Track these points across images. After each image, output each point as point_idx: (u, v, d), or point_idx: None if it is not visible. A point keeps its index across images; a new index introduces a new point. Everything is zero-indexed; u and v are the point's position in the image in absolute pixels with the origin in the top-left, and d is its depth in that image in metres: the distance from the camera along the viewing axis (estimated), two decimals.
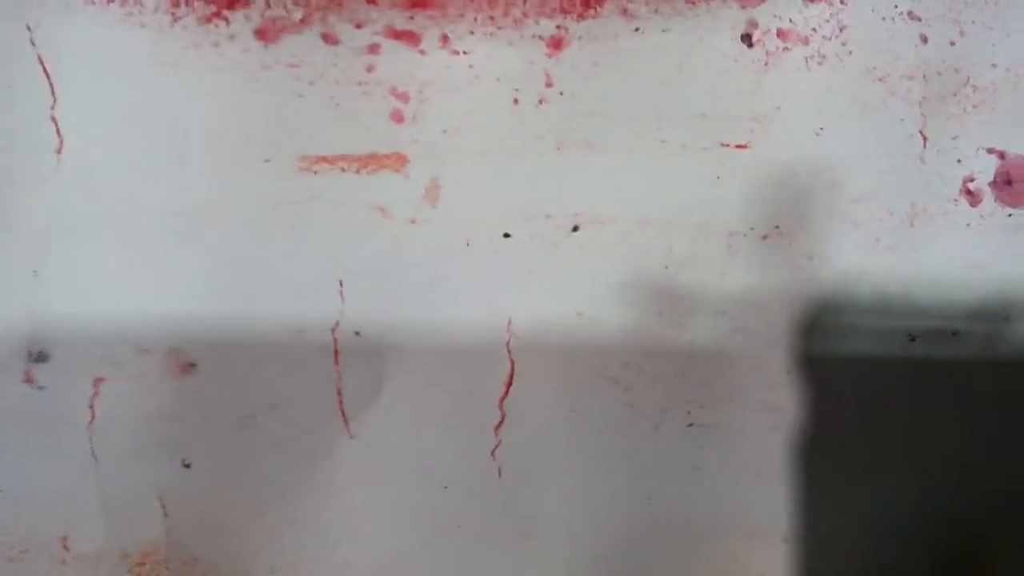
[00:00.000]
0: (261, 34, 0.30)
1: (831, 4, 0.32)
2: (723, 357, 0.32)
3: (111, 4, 0.31)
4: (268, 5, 0.30)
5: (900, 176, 0.32)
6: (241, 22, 0.30)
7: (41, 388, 0.31)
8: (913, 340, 0.33)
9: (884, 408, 0.33)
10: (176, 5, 0.30)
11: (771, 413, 0.33)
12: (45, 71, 0.30)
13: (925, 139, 0.33)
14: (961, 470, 0.33)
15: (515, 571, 0.32)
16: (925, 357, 0.33)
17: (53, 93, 0.30)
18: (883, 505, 0.33)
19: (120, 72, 0.30)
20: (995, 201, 0.33)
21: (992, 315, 0.32)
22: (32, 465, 0.31)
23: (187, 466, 0.31)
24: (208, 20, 0.30)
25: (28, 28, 0.30)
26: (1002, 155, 0.33)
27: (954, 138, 0.33)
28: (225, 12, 0.30)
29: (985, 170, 0.33)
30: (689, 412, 0.32)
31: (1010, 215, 0.33)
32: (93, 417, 0.31)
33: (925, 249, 0.33)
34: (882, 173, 0.32)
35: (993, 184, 0.33)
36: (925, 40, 0.32)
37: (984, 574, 0.34)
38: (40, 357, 0.31)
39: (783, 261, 0.32)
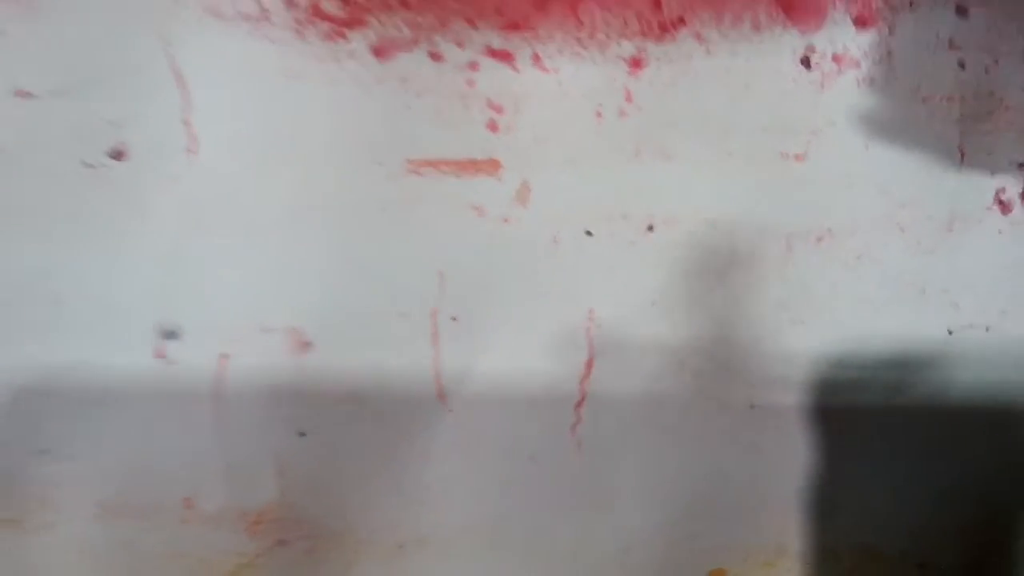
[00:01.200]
0: (377, 51, 0.32)
1: (880, 32, 0.36)
2: (782, 346, 0.35)
3: (239, 19, 0.34)
4: (383, 25, 0.35)
5: (940, 186, 0.36)
6: (360, 40, 0.32)
7: (171, 363, 0.33)
8: (951, 334, 0.36)
9: (920, 392, 0.37)
10: (302, 23, 0.34)
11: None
12: (179, 79, 0.33)
13: (962, 154, 0.36)
14: (992, 453, 0.37)
15: (591, 533, 0.34)
16: (961, 350, 0.36)
17: (187, 99, 0.32)
18: (915, 481, 0.37)
19: (249, 81, 0.32)
20: None
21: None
22: (160, 433, 0.33)
23: (302, 435, 0.33)
24: (331, 38, 0.32)
25: (163, 40, 0.33)
26: None
27: (988, 154, 0.36)
28: (346, 31, 0.33)
29: (1016, 183, 0.37)
30: (751, 395, 0.36)
31: None
32: (218, 390, 0.33)
33: (962, 252, 0.36)
34: (924, 183, 0.36)
35: (1022, 195, 0.37)
36: (963, 66, 0.35)
37: (1007, 548, 0.38)
38: (171, 335, 0.33)
39: (834, 260, 0.35)
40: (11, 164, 0.32)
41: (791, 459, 0.34)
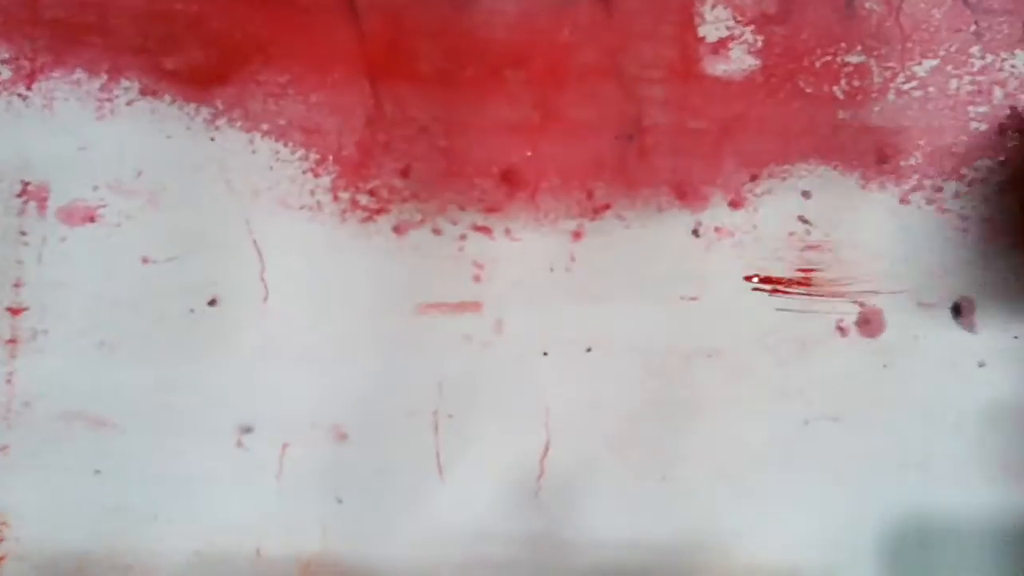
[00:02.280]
0: (396, 230, 0.44)
1: (747, 211, 0.46)
2: (684, 428, 0.48)
3: (301, 209, 0.44)
4: (400, 212, 0.45)
5: (795, 317, 0.45)
6: (384, 222, 0.44)
7: (247, 450, 0.43)
8: (806, 424, 0.49)
9: None
10: (344, 212, 0.44)
11: None
12: (257, 248, 0.44)
13: (810, 293, 0.49)
14: None
15: (553, 567, 0.44)
16: (814, 435, 0.49)
17: (262, 262, 0.44)
18: None
19: (306, 251, 0.44)
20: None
21: None
22: (238, 501, 0.43)
23: (340, 501, 0.43)
24: (364, 221, 0.44)
25: (247, 222, 0.44)
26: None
27: (832, 291, 0.49)
28: (375, 216, 0.44)
29: (852, 314, 0.49)
30: (664, 467, 0.48)
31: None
32: (280, 469, 0.43)
33: (812, 363, 0.47)
34: (783, 315, 0.47)
35: (856, 323, 0.48)
36: (809, 232, 0.49)
37: None
38: (247, 430, 0.43)
39: (720, 371, 0.45)
40: (138, 310, 0.43)
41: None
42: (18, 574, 0.43)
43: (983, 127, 0.46)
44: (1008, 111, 0.46)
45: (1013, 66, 0.46)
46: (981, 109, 0.46)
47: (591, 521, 0.44)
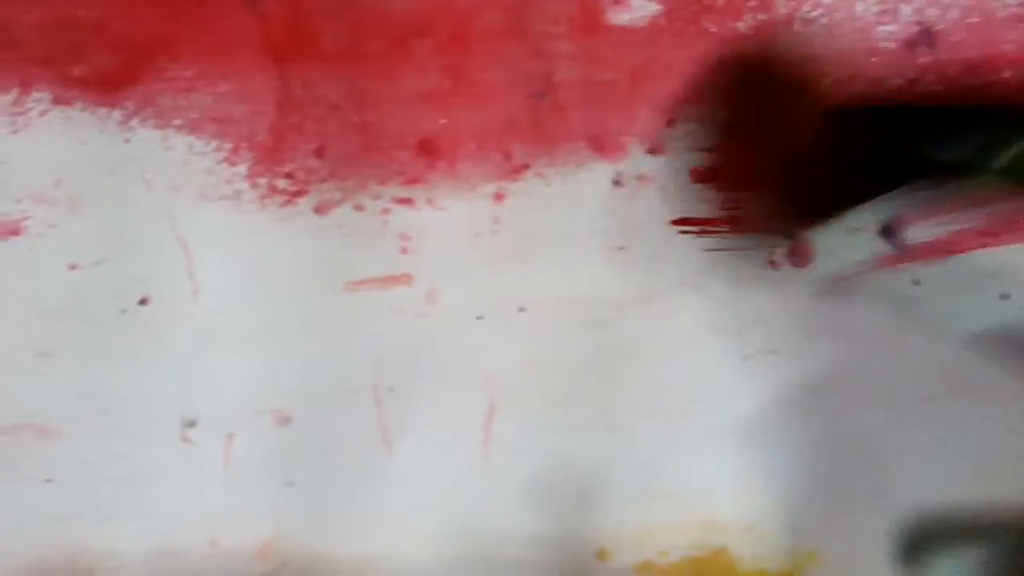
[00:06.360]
0: (318, 210, 0.43)
1: (667, 156, 0.44)
2: (624, 374, 0.47)
3: (221, 200, 0.44)
4: (320, 192, 0.44)
5: (722, 256, 0.49)
6: (305, 204, 0.43)
7: (192, 444, 0.43)
8: (745, 359, 0.48)
9: None
10: (263, 198, 0.43)
11: None
12: (182, 244, 0.43)
13: (738, 229, 0.48)
14: None
15: (499, 520, 0.44)
16: (755, 370, 0.48)
17: (189, 258, 0.43)
18: None
19: (231, 241, 0.43)
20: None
21: None
22: (188, 495, 0.43)
23: (290, 485, 0.43)
24: (284, 205, 0.43)
25: (169, 219, 0.43)
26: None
27: (760, 224, 0.49)
28: (294, 199, 0.43)
29: (781, 247, 0.49)
30: (607, 418, 0.47)
31: None
32: (227, 459, 0.43)
33: (746, 300, 0.47)
34: (711, 255, 0.49)
35: (786, 255, 0.48)
36: None
37: None
38: (191, 424, 0.43)
39: (654, 316, 0.45)
40: (71, 317, 0.43)
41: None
42: None
43: (892, 46, 0.46)
44: (916, 27, 0.46)
45: None
46: (889, 28, 0.46)
47: (539, 479, 0.44)
